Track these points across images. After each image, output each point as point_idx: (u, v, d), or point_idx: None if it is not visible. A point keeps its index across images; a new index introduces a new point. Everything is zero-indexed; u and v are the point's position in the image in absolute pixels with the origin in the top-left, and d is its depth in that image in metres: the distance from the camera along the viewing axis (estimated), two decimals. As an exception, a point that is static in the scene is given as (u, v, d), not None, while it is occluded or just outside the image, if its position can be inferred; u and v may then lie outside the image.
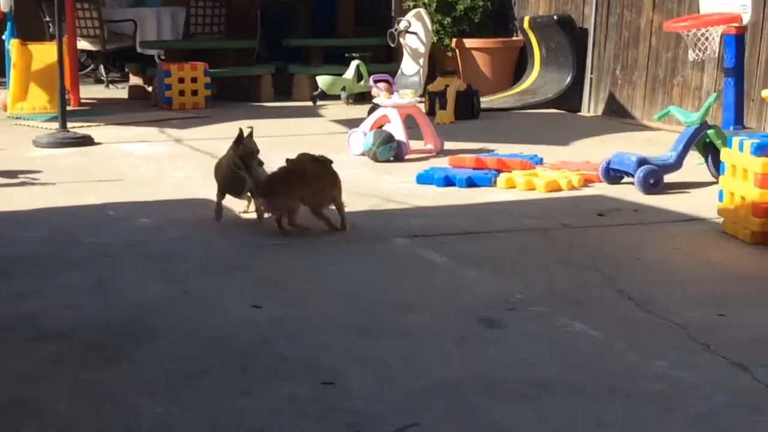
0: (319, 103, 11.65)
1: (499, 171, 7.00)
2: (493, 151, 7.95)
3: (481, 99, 10.79)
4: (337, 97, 11.74)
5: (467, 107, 10.45)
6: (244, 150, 5.51)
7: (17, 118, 10.30)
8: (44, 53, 10.68)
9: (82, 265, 4.77)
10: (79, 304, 4.17)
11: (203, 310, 4.07)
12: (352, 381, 3.32)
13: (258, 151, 5.57)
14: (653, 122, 9.73)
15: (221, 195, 5.64)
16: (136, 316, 4.00)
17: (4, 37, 11.30)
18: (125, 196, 6.16)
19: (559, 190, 6.63)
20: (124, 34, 13.56)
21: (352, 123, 9.05)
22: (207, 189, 5.86)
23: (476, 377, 3.35)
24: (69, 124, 8.78)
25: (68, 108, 9.18)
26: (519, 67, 12.15)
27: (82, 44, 13.41)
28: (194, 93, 11.34)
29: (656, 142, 8.65)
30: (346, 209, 5.55)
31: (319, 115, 10.93)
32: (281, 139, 8.98)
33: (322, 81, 11.20)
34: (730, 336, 3.76)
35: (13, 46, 10.76)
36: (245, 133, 5.55)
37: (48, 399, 3.15)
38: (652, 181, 6.52)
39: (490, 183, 6.79)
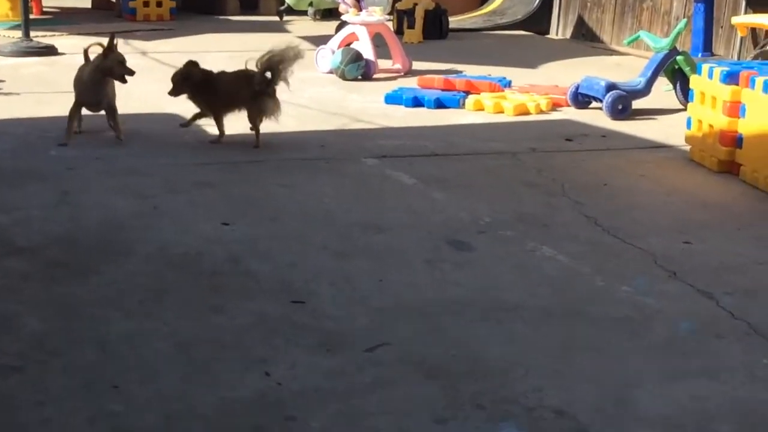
0: (285, 18, 11.47)
1: (467, 93, 6.98)
2: (461, 72, 7.91)
3: (450, 19, 10.69)
4: (304, 13, 11.58)
5: (435, 27, 10.35)
6: (112, 59, 5.42)
7: (-23, 25, 10.09)
8: (5, -41, 10.42)
9: (49, 179, 4.71)
10: (45, 217, 4.13)
11: (172, 227, 4.05)
12: (323, 300, 3.33)
13: (124, 61, 5.48)
14: (622, 47, 9.70)
15: (77, 108, 5.51)
16: (103, 232, 3.98)
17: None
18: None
19: (528, 113, 6.62)
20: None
21: (320, 40, 8.94)
22: (174, 103, 5.79)
23: (445, 299, 3.37)
24: (32, 33, 8.60)
25: (30, 16, 8.95)
26: (488, -13, 12.01)
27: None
28: (159, 5, 11.12)
29: (625, 67, 8.65)
30: (315, 126, 5.51)
31: (286, 31, 10.77)
32: (246, 55, 8.85)
33: (290, -5, 11.02)
34: (695, 263, 3.81)
35: (-30, -52, 10.49)
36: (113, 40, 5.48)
37: (17, 313, 3.13)
38: (620, 107, 6.53)
39: (459, 105, 6.77)
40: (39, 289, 3.35)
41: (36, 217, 4.13)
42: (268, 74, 5.44)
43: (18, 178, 4.71)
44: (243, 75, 5.48)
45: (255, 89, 5.41)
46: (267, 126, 5.89)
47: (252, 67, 5.47)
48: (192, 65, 5.52)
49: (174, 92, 5.52)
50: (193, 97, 5.54)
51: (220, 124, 5.55)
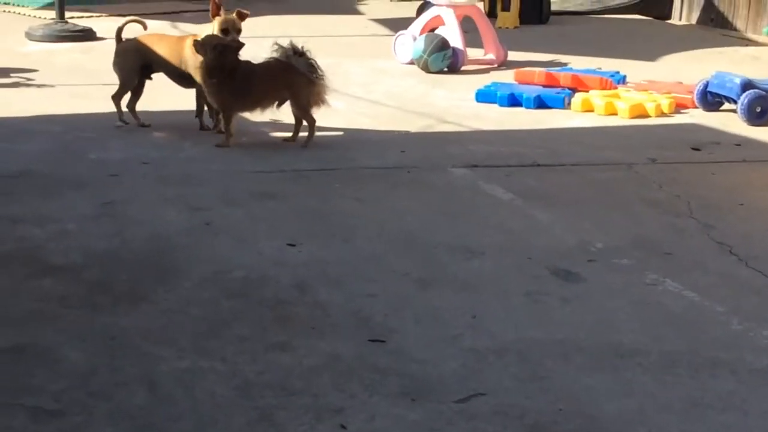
0: (358, -3, 11.59)
1: (573, 90, 6.96)
2: (566, 65, 7.89)
3: (552, -1, 10.70)
4: (380, -9, 11.67)
5: (535, 9, 10.34)
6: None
7: (5, 3, 10.32)
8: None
9: (88, 186, 4.81)
10: (85, 232, 4.22)
11: (230, 246, 4.11)
12: (406, 339, 3.35)
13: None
14: (761, 36, 9.58)
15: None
16: (151, 250, 4.05)
17: None
18: (138, 104, 6.17)
19: (646, 116, 6.58)
20: None
21: (399, 24, 9.00)
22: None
23: (550, 340, 3.37)
24: (66, 14, 8.79)
25: (65, -6, 9.17)
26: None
27: None
28: (211, -19, 11.26)
29: (764, 61, 8.55)
30: (393, 127, 5.55)
31: (358, 12, 10.86)
32: (311, 41, 8.92)
33: (363, -29, 11.12)
34: None
35: None
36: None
37: (57, 345, 3.20)
38: (758, 110, 6.46)
39: (563, 104, 6.75)
40: (79, 316, 3.42)
41: (74, 232, 4.22)
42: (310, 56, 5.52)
43: (53, 185, 4.82)
44: (276, 63, 5.52)
45: (301, 72, 5.46)
46: (337, 127, 5.95)
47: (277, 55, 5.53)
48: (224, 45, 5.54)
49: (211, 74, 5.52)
50: (218, 87, 5.53)
51: (230, 124, 5.56)
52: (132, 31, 5.98)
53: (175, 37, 6.02)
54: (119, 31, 5.91)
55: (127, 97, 5.92)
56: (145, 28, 6.06)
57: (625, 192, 5.02)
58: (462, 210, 4.68)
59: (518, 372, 3.15)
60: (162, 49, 5.82)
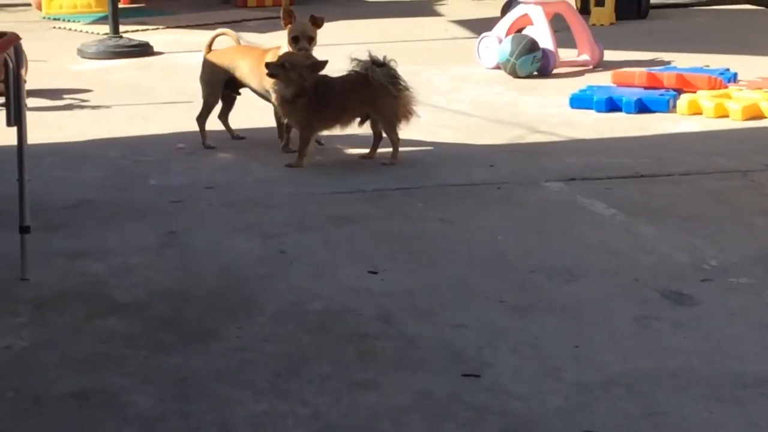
0: (436, -3, 11.64)
1: (678, 91, 6.91)
2: (669, 63, 7.85)
3: (651, -9, 10.64)
4: (459, -10, 11.71)
5: (631, 3, 10.30)
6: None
7: (55, 18, 10.52)
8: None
9: (150, 215, 4.89)
10: (149, 265, 4.28)
11: (307, 276, 4.14)
12: (503, 373, 3.35)
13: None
14: None
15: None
16: (221, 283, 4.10)
17: None
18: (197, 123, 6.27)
19: (761, 117, 6.52)
20: None
21: (482, 25, 9.02)
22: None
23: (662, 370, 3.35)
24: (121, 28, 8.93)
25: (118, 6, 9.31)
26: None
27: None
28: (276, -15, 11.40)
29: None
30: (480, 139, 5.56)
31: (437, 14, 10.90)
32: (388, 47, 8.99)
33: (441, -32, 11.16)
34: None
35: None
36: None
37: (124, 389, 3.25)
38: None
39: (668, 107, 6.71)
40: (146, 357, 3.48)
41: (137, 265, 4.29)
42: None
43: (112, 215, 4.91)
44: (356, 76, 5.59)
45: (384, 84, 5.51)
46: (418, 141, 5.98)
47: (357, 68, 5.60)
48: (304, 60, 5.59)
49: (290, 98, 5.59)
50: (295, 105, 5.59)
51: (307, 145, 5.62)
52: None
53: (260, 50, 6.08)
54: (210, 42, 6.06)
55: (217, 109, 6.02)
56: (237, 42, 6.14)
57: (740, 203, 4.98)
58: (559, 228, 4.67)
59: (629, 407, 3.14)
60: (245, 63, 5.89)
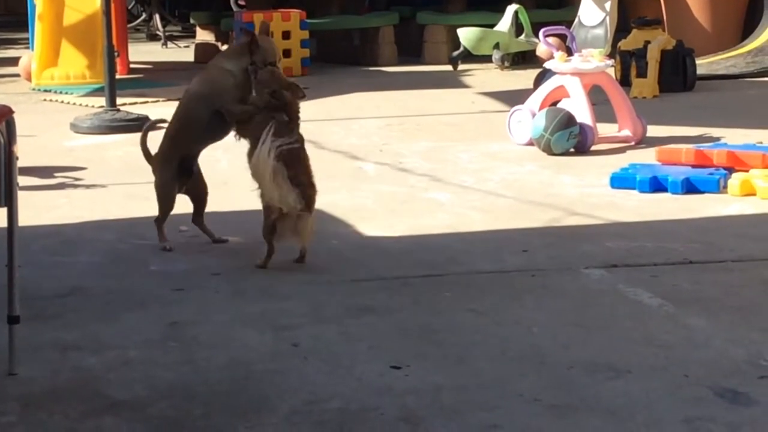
0: (461, 67, 11.71)
1: (729, 170, 6.93)
2: (719, 139, 7.87)
3: (697, 61, 10.69)
4: (487, 59, 11.78)
5: (677, 74, 10.36)
6: None
7: (46, 90, 10.63)
8: (80, -2, 11.01)
9: (150, 304, 4.92)
10: (149, 360, 4.30)
11: (323, 372, 4.15)
12: (541, 479, 3.35)
13: None
14: None
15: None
16: (230, 380, 4.11)
17: (25, -25, 11.68)
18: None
19: (822, 198, 6.53)
20: (188, -30, 13.91)
21: (513, 97, 9.08)
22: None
23: (718, 478, 3.34)
24: (118, 100, 9.02)
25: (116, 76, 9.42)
26: (751, 14, 11.98)
27: (130, -15, 13.79)
28: (286, 54, 11.50)
29: None
30: (512, 222, 5.56)
31: (464, 85, 10.99)
32: (410, 121, 9.08)
33: (466, 36, 11.24)
34: None
35: (37, -12, 11.11)
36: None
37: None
38: None
39: (718, 187, 6.72)
40: (147, 462, 3.49)
41: (136, 360, 4.30)
42: None
43: (110, 303, 4.93)
44: None
45: None
46: (444, 224, 6.00)
47: None
48: None
49: None
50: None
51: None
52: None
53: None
54: (143, 141, 5.90)
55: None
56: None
57: (801, 293, 4.99)
58: (600, 320, 4.68)
59: None
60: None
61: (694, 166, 7.03)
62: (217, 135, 5.80)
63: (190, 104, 5.76)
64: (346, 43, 12.71)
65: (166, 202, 5.79)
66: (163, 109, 9.47)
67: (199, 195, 5.89)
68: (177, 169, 5.80)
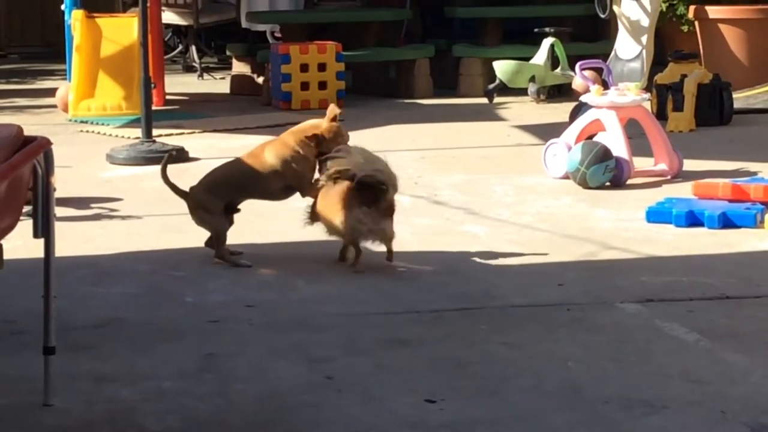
0: (497, 100, 11.73)
1: (766, 204, 6.90)
2: (756, 174, 7.85)
3: (734, 95, 10.67)
4: (523, 92, 11.79)
5: (714, 107, 10.34)
6: None
7: (83, 121, 10.71)
8: (118, 30, 11.13)
9: (186, 336, 4.94)
10: (184, 391, 4.32)
11: (357, 405, 4.16)
12: None
13: None
14: None
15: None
16: (264, 412, 4.12)
17: (63, 7, 11.73)
18: (237, 236, 6.32)
19: None
20: (224, 2, 13.96)
21: (548, 131, 9.09)
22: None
23: None
24: (154, 132, 9.07)
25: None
26: (789, 48, 11.98)
27: (167, 16, 13.87)
28: (322, 86, 11.57)
29: None
30: (547, 256, 5.56)
31: (499, 118, 11.00)
32: (445, 154, 9.10)
33: (502, 68, 11.27)
34: None
35: (75, 19, 11.19)
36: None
37: None
38: None
39: (755, 222, 6.70)
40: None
41: (171, 391, 4.32)
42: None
43: (145, 335, 4.96)
44: None
45: None
46: (479, 257, 6.02)
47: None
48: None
49: None
50: None
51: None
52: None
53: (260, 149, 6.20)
54: (164, 173, 6.20)
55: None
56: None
57: (839, 328, 4.96)
58: (636, 355, 4.67)
59: None
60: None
61: (730, 201, 7.01)
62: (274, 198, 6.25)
63: (264, 174, 6.06)
64: (381, 76, 12.73)
65: (222, 234, 6.06)
66: (199, 141, 9.56)
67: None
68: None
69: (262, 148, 6.13)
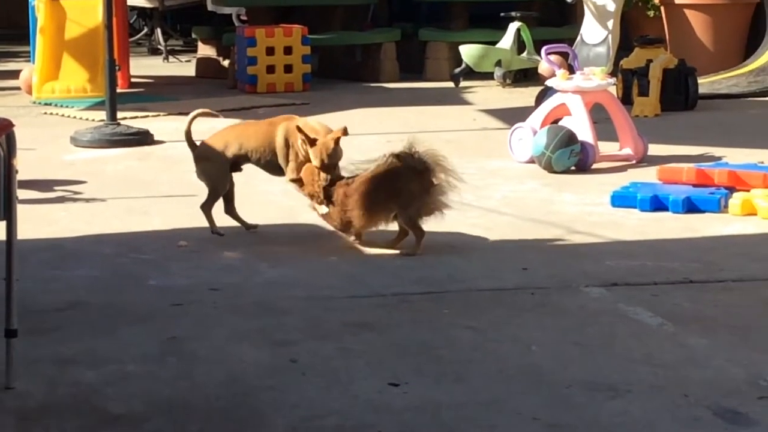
0: (463, 84, 11.72)
1: (730, 189, 6.93)
2: (720, 159, 7.88)
3: (699, 80, 10.71)
4: (489, 76, 11.79)
5: (679, 93, 10.37)
6: None
7: (47, 103, 10.65)
8: (83, 12, 11.07)
9: (149, 319, 4.92)
10: (147, 374, 4.30)
11: (321, 388, 4.15)
12: (539, 498, 3.34)
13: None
14: None
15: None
16: (228, 395, 4.10)
17: (27, -11, 11.70)
18: (201, 219, 6.31)
19: (823, 218, 6.54)
20: (189, -16, 13.93)
21: (514, 115, 9.09)
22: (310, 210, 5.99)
23: (717, 498, 3.34)
24: (119, 114, 9.02)
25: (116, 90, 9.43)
26: (754, 34, 12.00)
27: (132, -1, 13.80)
28: (288, 69, 11.55)
29: None
30: (511, 240, 5.57)
31: (466, 102, 11.00)
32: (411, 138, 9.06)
33: (468, 52, 11.25)
34: None
35: (40, 1, 11.15)
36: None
37: None
38: None
39: (719, 207, 6.72)
40: (143, 477, 3.48)
41: (134, 374, 4.30)
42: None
43: (108, 318, 4.93)
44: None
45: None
46: (443, 241, 6.01)
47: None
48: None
49: None
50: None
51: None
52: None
53: (266, 123, 6.28)
54: (189, 125, 6.19)
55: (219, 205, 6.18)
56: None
57: (801, 313, 4.99)
58: (600, 339, 4.67)
59: None
60: (255, 138, 6.15)
61: (695, 186, 7.03)
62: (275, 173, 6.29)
63: (265, 146, 6.14)
64: (347, 59, 12.73)
65: (220, 188, 6.17)
66: (165, 124, 9.51)
67: (231, 186, 6.22)
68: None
69: (277, 120, 6.22)
